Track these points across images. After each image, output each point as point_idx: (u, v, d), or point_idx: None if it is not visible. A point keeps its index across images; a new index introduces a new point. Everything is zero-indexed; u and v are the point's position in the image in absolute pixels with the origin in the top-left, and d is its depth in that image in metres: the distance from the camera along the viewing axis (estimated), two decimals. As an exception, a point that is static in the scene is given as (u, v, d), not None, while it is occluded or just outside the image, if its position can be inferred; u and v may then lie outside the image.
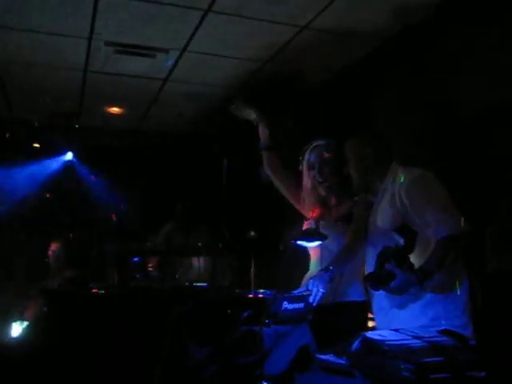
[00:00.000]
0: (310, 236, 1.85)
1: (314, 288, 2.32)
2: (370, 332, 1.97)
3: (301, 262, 2.95)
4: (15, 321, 3.00)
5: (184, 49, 4.46)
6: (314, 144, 2.98)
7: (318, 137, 3.03)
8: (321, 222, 2.77)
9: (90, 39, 4.27)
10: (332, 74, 4.96)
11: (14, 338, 2.73)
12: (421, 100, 3.90)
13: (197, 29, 4.08)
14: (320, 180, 2.90)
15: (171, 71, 4.96)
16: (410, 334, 1.92)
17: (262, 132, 3.19)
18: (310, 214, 2.79)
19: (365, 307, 2.74)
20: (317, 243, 1.99)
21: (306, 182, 2.99)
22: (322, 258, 2.73)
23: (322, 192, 2.95)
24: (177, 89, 5.44)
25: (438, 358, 1.73)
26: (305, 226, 2.88)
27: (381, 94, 4.43)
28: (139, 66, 4.79)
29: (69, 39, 4.29)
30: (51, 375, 1.78)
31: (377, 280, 2.05)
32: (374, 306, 2.45)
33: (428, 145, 3.69)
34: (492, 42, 3.30)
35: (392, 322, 2.24)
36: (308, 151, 2.98)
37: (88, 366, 1.78)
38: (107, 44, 4.37)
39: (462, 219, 2.19)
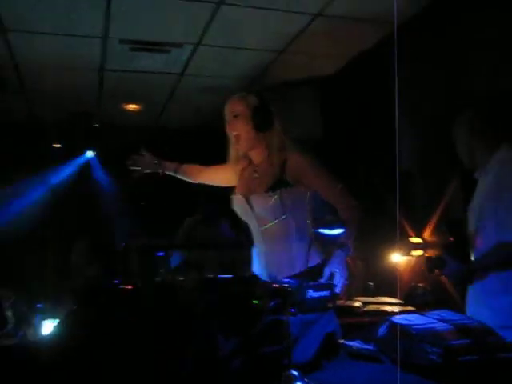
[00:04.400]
0: (330, 224, 1.85)
1: (337, 275, 2.32)
2: (396, 317, 1.97)
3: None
4: (46, 319, 3.04)
5: (198, 43, 4.47)
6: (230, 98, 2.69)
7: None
8: (252, 197, 2.59)
9: (104, 38, 4.31)
10: (345, 61, 4.94)
11: (45, 336, 2.76)
12: (437, 87, 3.83)
13: (210, 22, 4.09)
14: (234, 133, 2.62)
15: (186, 66, 4.98)
16: (437, 317, 1.92)
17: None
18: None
19: None
20: (339, 231, 1.98)
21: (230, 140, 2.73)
22: (262, 236, 2.63)
23: (241, 151, 2.70)
24: (192, 83, 5.46)
25: (465, 341, 1.71)
26: (234, 202, 2.72)
27: (397, 81, 4.38)
28: (154, 61, 4.81)
29: (84, 39, 4.34)
30: (83, 372, 1.81)
31: None
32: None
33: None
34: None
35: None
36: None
37: (118, 361, 1.80)
38: (122, 42, 4.40)
39: None
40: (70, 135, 6.34)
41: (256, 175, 2.65)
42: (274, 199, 2.51)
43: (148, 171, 3.01)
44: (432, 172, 2.84)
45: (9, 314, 3.43)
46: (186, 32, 4.29)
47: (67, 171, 6.59)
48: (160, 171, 3.00)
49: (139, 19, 4.04)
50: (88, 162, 6.69)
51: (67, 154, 6.52)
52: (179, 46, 4.53)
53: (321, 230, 1.72)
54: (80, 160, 6.63)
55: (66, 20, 3.99)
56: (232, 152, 2.75)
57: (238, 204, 2.70)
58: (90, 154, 6.66)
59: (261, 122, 2.56)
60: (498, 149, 2.37)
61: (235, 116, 2.60)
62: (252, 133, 2.59)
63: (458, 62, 3.65)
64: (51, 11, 3.83)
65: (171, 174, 3.03)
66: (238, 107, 2.60)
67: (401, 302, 3.82)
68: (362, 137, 4.66)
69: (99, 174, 6.70)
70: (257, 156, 2.66)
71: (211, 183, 3.05)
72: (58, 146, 6.64)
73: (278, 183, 2.51)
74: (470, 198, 2.49)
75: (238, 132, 2.60)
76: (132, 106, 6.21)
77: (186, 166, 3.04)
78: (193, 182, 3.07)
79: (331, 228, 1.79)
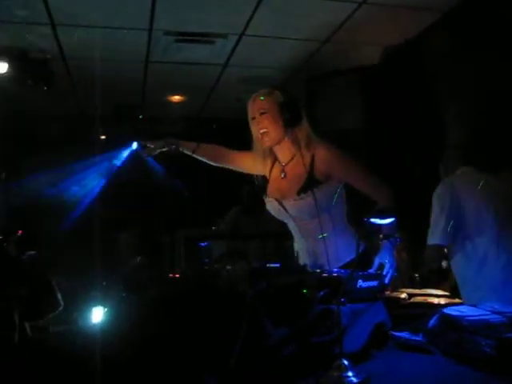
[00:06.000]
0: (382, 213, 1.82)
1: (386, 265, 2.30)
2: (447, 308, 1.94)
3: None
4: (95, 306, 3.09)
5: (242, 33, 4.48)
6: (254, 94, 2.57)
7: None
8: (284, 201, 2.53)
9: (150, 30, 4.36)
10: (390, 50, 4.87)
11: (95, 324, 2.81)
12: (484, 78, 3.72)
13: (254, 12, 4.09)
14: (261, 130, 2.51)
15: (230, 56, 5.00)
16: (489, 309, 1.88)
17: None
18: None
19: None
20: (390, 220, 1.94)
21: (254, 137, 2.61)
22: (301, 232, 2.60)
23: (268, 148, 2.59)
24: (236, 73, 5.48)
25: (520, 334, 1.68)
26: (268, 205, 2.65)
27: (441, 71, 4.29)
28: (199, 53, 4.86)
29: (130, 32, 4.40)
30: (132, 359, 1.84)
31: None
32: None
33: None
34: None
35: None
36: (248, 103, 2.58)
37: (167, 348, 1.83)
38: (167, 34, 4.45)
39: None
40: (115, 127, 6.45)
41: (285, 175, 2.58)
42: (307, 201, 2.45)
43: (163, 149, 2.86)
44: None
45: (59, 296, 3.54)
46: (231, 22, 4.30)
47: (112, 163, 6.71)
48: (173, 148, 2.85)
49: (184, 11, 4.06)
50: (133, 154, 6.80)
51: (113, 146, 6.64)
52: (224, 36, 4.54)
53: (372, 220, 1.70)
54: (125, 151, 6.75)
55: (113, 13, 4.05)
56: (258, 150, 2.66)
57: (271, 207, 2.65)
58: (134, 145, 6.77)
59: (289, 117, 2.48)
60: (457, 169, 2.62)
61: (262, 113, 2.50)
62: (279, 129, 2.50)
63: (505, 51, 3.56)
64: (98, 4, 3.90)
65: (189, 153, 2.89)
66: (265, 103, 2.51)
67: (447, 294, 3.76)
68: (407, 125, 4.60)
69: (144, 165, 6.79)
70: (284, 154, 2.58)
71: (234, 168, 2.91)
72: (104, 137, 6.76)
73: (309, 183, 2.45)
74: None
75: (266, 129, 2.51)
76: (176, 98, 6.27)
77: (205, 146, 2.91)
78: (213, 164, 2.93)
79: (382, 217, 1.77)
